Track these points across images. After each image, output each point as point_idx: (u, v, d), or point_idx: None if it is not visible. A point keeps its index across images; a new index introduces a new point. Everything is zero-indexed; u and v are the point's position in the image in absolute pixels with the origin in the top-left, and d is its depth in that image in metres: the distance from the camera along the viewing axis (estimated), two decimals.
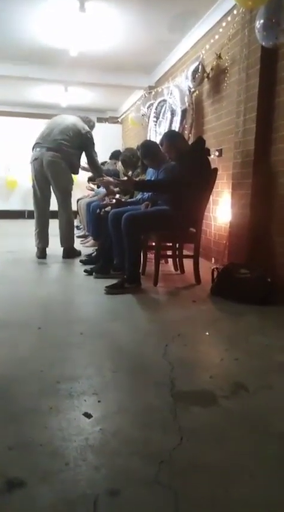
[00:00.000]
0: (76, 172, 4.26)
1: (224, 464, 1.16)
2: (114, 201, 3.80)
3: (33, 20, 4.49)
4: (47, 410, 1.40)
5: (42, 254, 4.13)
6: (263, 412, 1.45)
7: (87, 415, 1.38)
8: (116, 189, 4.09)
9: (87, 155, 4.22)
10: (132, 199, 3.78)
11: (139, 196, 3.68)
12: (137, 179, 3.65)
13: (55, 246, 4.24)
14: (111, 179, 3.97)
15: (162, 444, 1.23)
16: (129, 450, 1.21)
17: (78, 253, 4.26)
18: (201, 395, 1.55)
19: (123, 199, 3.88)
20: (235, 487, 1.07)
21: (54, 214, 4.24)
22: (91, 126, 4.33)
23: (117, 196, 4.09)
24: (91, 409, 1.42)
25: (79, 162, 4.26)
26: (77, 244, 4.58)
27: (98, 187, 5.54)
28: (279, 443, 1.27)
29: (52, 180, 4.06)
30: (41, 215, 4.18)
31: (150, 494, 1.04)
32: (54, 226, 4.23)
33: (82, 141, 4.12)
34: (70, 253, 4.20)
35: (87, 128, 4.19)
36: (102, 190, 5.18)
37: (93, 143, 4.21)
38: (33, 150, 4.13)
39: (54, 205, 4.23)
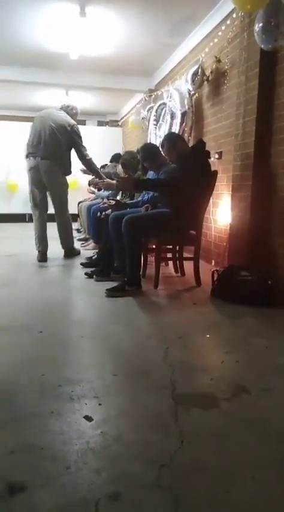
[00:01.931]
0: (70, 173, 4.29)
1: (225, 467, 1.16)
2: (113, 202, 3.81)
3: (34, 25, 4.52)
4: (48, 414, 1.40)
5: (43, 257, 4.18)
6: (263, 414, 1.45)
7: (88, 419, 1.38)
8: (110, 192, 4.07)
9: (76, 150, 4.21)
10: (132, 201, 3.79)
11: (139, 198, 3.69)
12: None
13: (56, 249, 4.30)
14: (111, 181, 3.98)
15: (163, 447, 1.23)
16: (130, 453, 1.21)
17: (77, 253, 4.46)
18: (202, 398, 1.55)
19: (123, 201, 3.89)
20: (236, 489, 1.07)
21: (52, 217, 4.31)
22: (74, 114, 4.32)
23: (118, 197, 4.10)
24: (92, 412, 1.42)
25: (70, 162, 4.24)
26: (77, 246, 4.66)
27: (99, 190, 5.55)
28: (279, 445, 1.27)
29: (49, 186, 4.16)
30: (40, 219, 4.24)
31: (150, 497, 1.04)
32: (53, 229, 4.27)
33: (70, 137, 4.12)
34: (70, 252, 4.38)
35: (71, 121, 4.18)
36: (103, 193, 5.20)
37: (80, 136, 4.20)
38: (26, 159, 4.16)
39: (51, 208, 4.31)
